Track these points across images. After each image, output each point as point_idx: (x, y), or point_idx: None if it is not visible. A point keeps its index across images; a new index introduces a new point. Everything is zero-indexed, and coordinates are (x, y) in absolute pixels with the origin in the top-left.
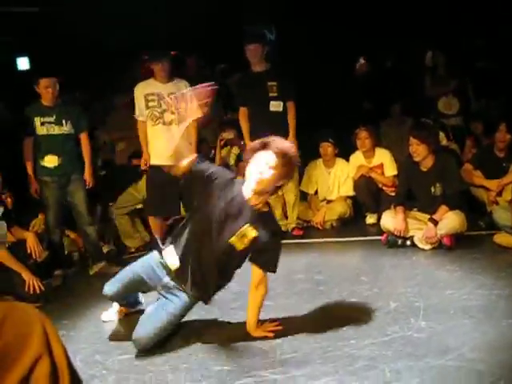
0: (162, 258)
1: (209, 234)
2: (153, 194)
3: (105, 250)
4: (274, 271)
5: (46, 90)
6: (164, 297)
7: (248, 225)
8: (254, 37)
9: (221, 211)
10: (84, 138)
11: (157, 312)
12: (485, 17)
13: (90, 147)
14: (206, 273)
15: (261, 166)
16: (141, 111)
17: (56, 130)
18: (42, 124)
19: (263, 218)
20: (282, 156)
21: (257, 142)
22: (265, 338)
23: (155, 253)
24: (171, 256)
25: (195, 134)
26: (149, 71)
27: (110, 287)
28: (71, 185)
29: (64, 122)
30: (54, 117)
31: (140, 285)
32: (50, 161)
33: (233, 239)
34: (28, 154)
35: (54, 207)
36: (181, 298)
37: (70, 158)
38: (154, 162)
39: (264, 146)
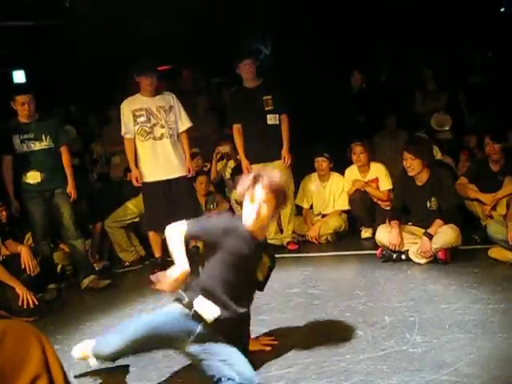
0: (188, 308)
1: (240, 279)
2: (151, 209)
3: (99, 265)
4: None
5: (23, 106)
6: (203, 349)
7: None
8: (247, 53)
9: (241, 255)
10: (64, 151)
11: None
12: (480, 32)
13: (71, 160)
14: (244, 319)
15: (256, 204)
16: (127, 128)
17: (36, 146)
18: (22, 141)
19: (264, 244)
20: (274, 189)
21: (246, 179)
22: (261, 351)
23: (177, 304)
24: (207, 305)
25: (188, 147)
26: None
27: (111, 344)
28: (56, 199)
29: (43, 136)
30: (33, 133)
31: (162, 340)
32: (33, 177)
33: (259, 274)
34: (7, 173)
35: (40, 222)
36: (223, 343)
37: (52, 172)
38: (147, 179)
39: (254, 181)
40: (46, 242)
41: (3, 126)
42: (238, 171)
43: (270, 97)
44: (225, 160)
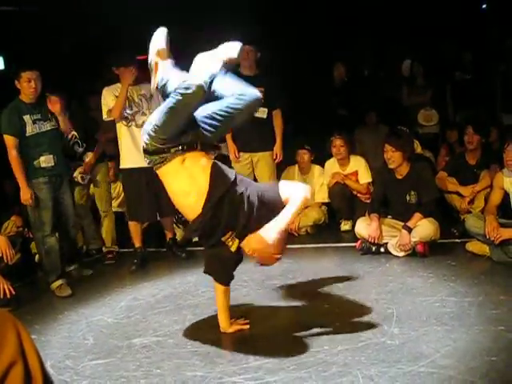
0: None
1: None
2: (131, 198)
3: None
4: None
5: (29, 84)
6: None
7: None
8: (250, 39)
9: None
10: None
11: None
12: (470, 30)
13: None
14: None
15: None
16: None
17: (47, 126)
18: (34, 122)
19: None
20: None
21: None
22: (240, 331)
23: None
24: None
25: None
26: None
27: None
28: (63, 185)
29: (50, 116)
30: (40, 113)
31: None
32: (47, 160)
33: None
34: (16, 157)
35: (52, 210)
36: None
37: (61, 155)
38: (127, 165)
39: None
40: (55, 233)
41: (10, 106)
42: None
43: (262, 89)
44: None
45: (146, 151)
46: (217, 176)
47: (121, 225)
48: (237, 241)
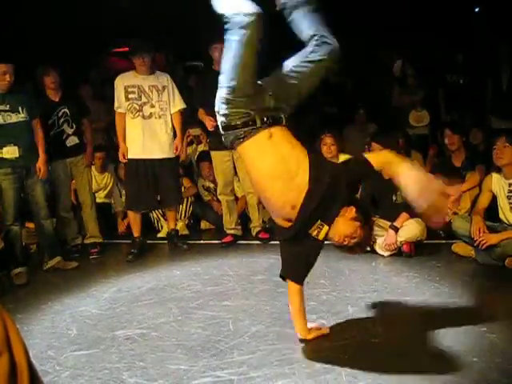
0: None
1: None
2: (131, 188)
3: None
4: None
5: (3, 76)
6: None
7: None
8: (219, 36)
9: None
10: (37, 124)
11: None
12: (461, 31)
13: (44, 134)
14: None
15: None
16: (120, 103)
17: (13, 118)
18: None
19: None
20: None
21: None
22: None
23: None
24: None
25: (180, 127)
26: (120, 62)
27: None
28: (31, 177)
29: (20, 108)
30: (9, 105)
31: None
32: (11, 152)
33: None
34: None
35: (14, 200)
36: None
37: (29, 148)
38: (132, 155)
39: None
40: (18, 223)
41: None
42: (203, 157)
43: None
44: (194, 144)
45: (227, 127)
46: (316, 170)
47: (107, 216)
48: (325, 228)
